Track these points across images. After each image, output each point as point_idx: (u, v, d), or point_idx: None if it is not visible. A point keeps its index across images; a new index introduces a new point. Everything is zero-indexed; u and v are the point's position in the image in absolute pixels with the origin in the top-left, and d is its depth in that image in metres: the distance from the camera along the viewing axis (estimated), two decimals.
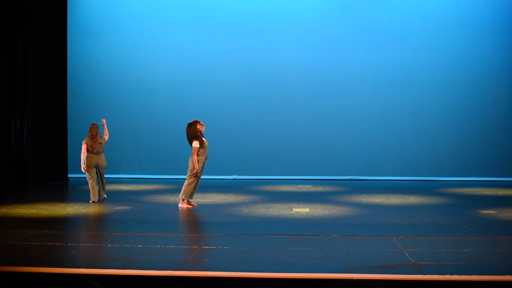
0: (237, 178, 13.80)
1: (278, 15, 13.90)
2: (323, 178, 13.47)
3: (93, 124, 9.78)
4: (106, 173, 13.66)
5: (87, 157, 9.57)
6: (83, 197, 10.69)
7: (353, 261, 5.51)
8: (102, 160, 9.72)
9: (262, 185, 12.40)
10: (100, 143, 9.65)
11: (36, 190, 11.39)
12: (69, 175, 13.30)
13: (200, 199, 10.09)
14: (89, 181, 9.62)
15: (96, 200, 9.58)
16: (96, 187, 9.65)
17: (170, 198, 10.13)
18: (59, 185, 12.45)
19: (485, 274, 4.89)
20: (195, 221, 8.53)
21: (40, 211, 8.50)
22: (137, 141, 13.98)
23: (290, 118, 13.79)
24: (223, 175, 13.67)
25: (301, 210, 8.72)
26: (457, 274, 4.88)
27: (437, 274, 4.90)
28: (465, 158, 13.66)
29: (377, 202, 9.59)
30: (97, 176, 9.71)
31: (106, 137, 9.90)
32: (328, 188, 11.79)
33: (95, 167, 9.62)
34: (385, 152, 13.76)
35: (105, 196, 9.96)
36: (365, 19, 13.82)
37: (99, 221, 7.85)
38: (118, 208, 8.92)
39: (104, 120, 10.07)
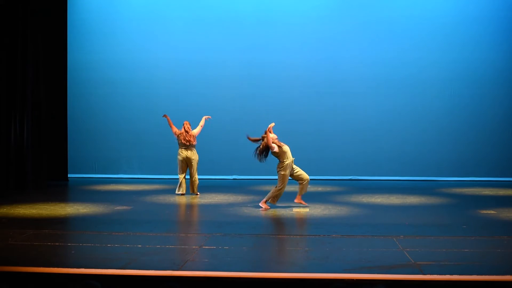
0: (237, 178, 13.80)
1: (278, 14, 13.90)
2: (323, 178, 13.46)
3: (186, 121, 10.52)
4: (106, 173, 13.91)
5: (179, 151, 10.36)
6: (83, 197, 10.71)
7: (353, 261, 5.51)
8: (193, 154, 10.39)
9: (262, 185, 12.40)
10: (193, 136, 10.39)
11: (36, 190, 11.39)
12: (69, 175, 13.30)
13: (200, 199, 10.11)
14: (179, 175, 10.47)
15: (181, 193, 10.38)
16: (184, 181, 10.40)
17: (170, 198, 10.13)
18: (59, 185, 12.45)
19: (485, 274, 4.88)
20: (195, 221, 8.54)
21: (40, 211, 8.50)
22: (137, 141, 13.99)
23: (290, 118, 13.77)
24: (223, 175, 13.67)
25: (301, 210, 8.72)
26: (457, 274, 4.87)
27: (437, 274, 4.89)
28: (465, 158, 13.66)
29: (377, 202, 9.60)
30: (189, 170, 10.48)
31: (196, 129, 10.58)
32: (328, 188, 11.79)
33: (186, 161, 10.37)
34: (385, 152, 13.76)
35: (196, 193, 10.48)
36: (365, 18, 13.82)
37: (99, 221, 7.85)
38: (118, 208, 8.92)
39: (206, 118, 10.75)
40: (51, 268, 5.06)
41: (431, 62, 13.69)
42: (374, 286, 4.67)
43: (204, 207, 9.42)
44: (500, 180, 13.24)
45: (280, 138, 13.99)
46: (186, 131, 10.40)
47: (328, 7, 13.92)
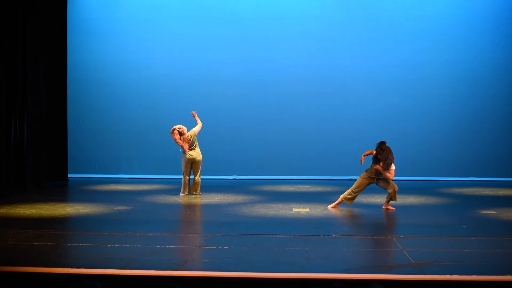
0: (237, 178, 13.79)
1: (278, 14, 13.89)
2: (323, 178, 13.47)
3: (177, 129, 10.32)
4: (106, 173, 13.90)
5: (184, 154, 10.40)
6: (83, 197, 10.71)
7: (353, 261, 5.51)
8: (194, 155, 10.34)
9: (262, 185, 12.41)
10: (189, 141, 10.30)
11: (36, 190, 11.38)
12: (69, 175, 13.30)
13: (200, 199, 10.10)
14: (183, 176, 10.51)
15: (183, 194, 10.40)
16: (187, 182, 10.42)
17: (170, 198, 10.13)
18: (59, 185, 12.45)
19: (485, 274, 4.89)
20: (195, 221, 8.54)
21: (40, 211, 8.50)
22: (137, 141, 13.98)
23: (290, 118, 13.79)
24: (223, 175, 13.67)
25: (301, 210, 8.72)
26: (457, 274, 4.87)
27: (437, 274, 4.90)
28: (465, 158, 13.65)
29: (377, 202, 9.59)
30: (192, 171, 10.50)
31: (196, 128, 10.48)
32: (328, 188, 11.79)
33: (191, 162, 10.36)
34: None
35: (197, 193, 10.44)
36: (365, 19, 13.81)
37: (99, 221, 7.85)
38: (118, 208, 8.92)
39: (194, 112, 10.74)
40: (51, 268, 5.06)
41: (431, 62, 13.69)
42: (373, 286, 4.67)
43: (204, 207, 9.42)
44: (500, 180, 13.23)
45: (281, 138, 14.10)
46: (182, 135, 10.29)
47: (329, 7, 13.90)
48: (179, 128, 10.34)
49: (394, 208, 8.80)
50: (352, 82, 13.78)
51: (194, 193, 10.48)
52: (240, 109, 13.86)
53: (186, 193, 10.45)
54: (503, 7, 13.64)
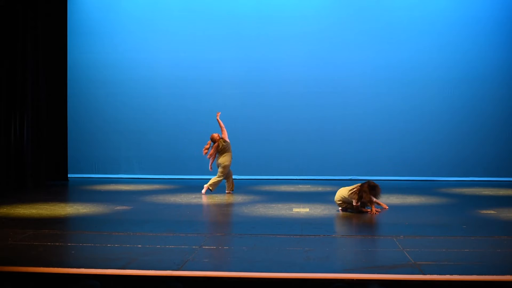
0: (237, 178, 13.79)
1: (278, 13, 13.90)
2: (323, 178, 13.47)
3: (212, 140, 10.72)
4: (106, 173, 13.90)
5: None
6: (83, 197, 10.71)
7: (353, 261, 5.51)
8: (221, 160, 10.64)
9: (262, 185, 12.41)
10: (218, 146, 10.64)
11: (36, 190, 11.38)
12: (69, 175, 13.30)
13: (200, 199, 10.10)
14: None
15: (203, 192, 10.57)
16: (213, 181, 10.63)
17: (170, 198, 10.13)
18: (59, 185, 12.45)
19: (485, 274, 4.89)
20: (195, 221, 8.54)
21: (40, 211, 8.50)
22: (137, 141, 13.99)
23: (290, 118, 13.80)
24: None
25: (301, 210, 8.72)
26: (457, 274, 4.87)
27: (437, 274, 4.89)
28: (465, 158, 13.66)
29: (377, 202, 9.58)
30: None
31: (223, 134, 10.80)
32: (328, 188, 11.77)
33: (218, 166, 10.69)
34: (385, 152, 13.76)
35: (204, 190, 10.58)
36: (365, 18, 13.83)
37: (99, 221, 7.85)
38: (118, 208, 8.92)
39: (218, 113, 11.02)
40: (51, 268, 5.06)
41: (431, 62, 13.70)
42: (373, 286, 4.67)
43: (204, 207, 9.42)
44: (500, 180, 13.23)
45: (281, 138, 14.10)
46: (215, 143, 10.68)
47: (329, 7, 13.91)
48: (212, 137, 10.72)
49: (382, 209, 8.65)
50: (352, 82, 13.79)
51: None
52: (240, 109, 13.86)
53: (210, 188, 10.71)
54: (503, 7, 13.65)
